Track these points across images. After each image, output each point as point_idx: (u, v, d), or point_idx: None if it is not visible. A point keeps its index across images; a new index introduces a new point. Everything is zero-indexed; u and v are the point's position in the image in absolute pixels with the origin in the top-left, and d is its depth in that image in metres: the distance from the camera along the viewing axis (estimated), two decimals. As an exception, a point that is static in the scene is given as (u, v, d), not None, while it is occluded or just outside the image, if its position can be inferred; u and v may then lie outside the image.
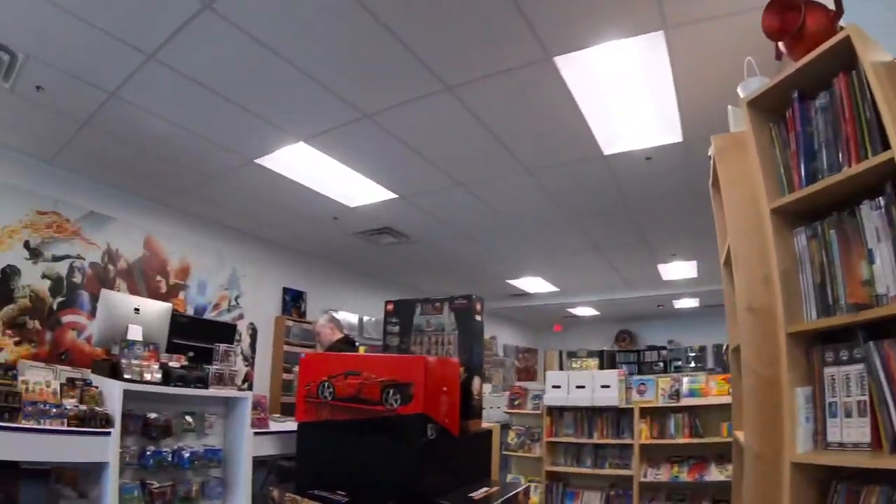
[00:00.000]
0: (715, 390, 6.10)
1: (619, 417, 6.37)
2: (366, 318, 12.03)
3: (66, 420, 4.03)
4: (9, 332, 6.42)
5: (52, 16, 4.00)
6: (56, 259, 6.93)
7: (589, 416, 6.50)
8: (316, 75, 4.73)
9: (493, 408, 9.69)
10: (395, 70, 4.63)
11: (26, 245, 6.64)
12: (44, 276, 6.78)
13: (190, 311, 8.52)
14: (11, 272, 6.50)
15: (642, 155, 6.02)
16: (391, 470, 1.97)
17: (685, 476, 5.91)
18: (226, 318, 9.07)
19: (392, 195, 7.41)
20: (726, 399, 5.79)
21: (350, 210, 8.03)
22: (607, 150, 5.93)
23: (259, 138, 5.91)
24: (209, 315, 8.83)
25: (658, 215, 8.05)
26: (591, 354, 19.45)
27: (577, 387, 6.49)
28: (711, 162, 3.24)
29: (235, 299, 9.38)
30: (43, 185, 6.83)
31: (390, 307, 2.73)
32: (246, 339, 9.46)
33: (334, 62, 4.57)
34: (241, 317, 9.43)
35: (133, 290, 7.72)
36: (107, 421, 4.20)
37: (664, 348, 19.43)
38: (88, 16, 4.03)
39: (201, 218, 8.82)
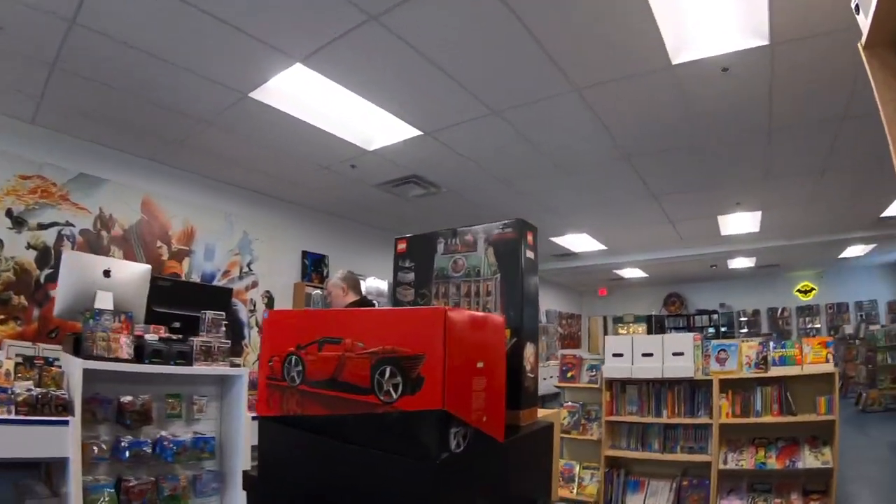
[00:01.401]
0: (810, 357, 5.11)
1: (693, 392, 5.38)
2: (397, 285, 11.06)
3: (13, 407, 3.39)
4: (-9, 309, 5.80)
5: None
6: (42, 227, 6.33)
7: (657, 390, 5.51)
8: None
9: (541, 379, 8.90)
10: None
11: (8, 213, 6.06)
12: (29, 247, 6.22)
13: (196, 279, 7.75)
14: (-8, 244, 5.90)
15: (718, 64, 4.94)
16: (392, 502, 1.25)
17: (773, 462, 5.02)
18: (237, 286, 8.32)
19: (415, 131, 6.31)
20: (823, 367, 5.00)
21: (368, 154, 6.97)
22: (677, 57, 4.85)
23: (248, 62, 4.91)
24: (219, 283, 7.95)
25: (729, 149, 6.95)
26: (637, 320, 19.75)
27: (644, 355, 5.47)
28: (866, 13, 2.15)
29: (248, 265, 8.61)
30: (25, 148, 6.22)
31: (402, 246, 2.03)
32: (261, 309, 8.69)
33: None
34: (254, 284, 8.68)
35: (130, 258, 6.98)
36: (65, 407, 3.54)
37: (715, 312, 19.03)
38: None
39: (204, 176, 7.97)
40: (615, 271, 16.26)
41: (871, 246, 13.39)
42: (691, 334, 5.50)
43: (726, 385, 5.21)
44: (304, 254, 9.47)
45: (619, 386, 5.64)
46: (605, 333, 19.68)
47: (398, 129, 6.28)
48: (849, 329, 15.16)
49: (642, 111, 5.85)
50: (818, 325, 17.46)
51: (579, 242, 12.24)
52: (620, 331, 19.15)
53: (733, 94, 5.46)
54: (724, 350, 5.28)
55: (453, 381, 1.21)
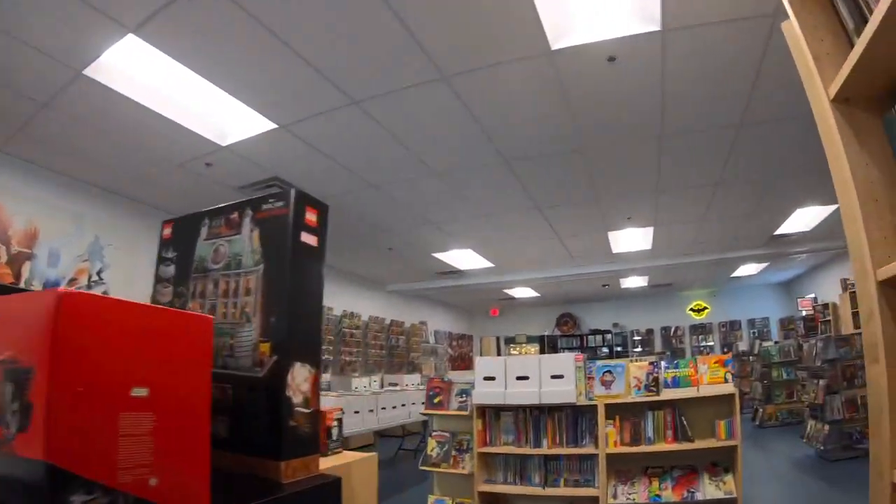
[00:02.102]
0: (707, 377, 4.62)
1: (576, 418, 4.74)
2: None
3: None
4: None
5: None
6: None
7: (535, 417, 4.84)
8: None
9: (416, 403, 8.17)
10: None
11: None
12: None
13: (38, 287, 6.70)
14: None
15: (603, 53, 4.44)
16: None
17: (669, 494, 4.47)
18: None
19: (269, 124, 5.53)
20: (722, 388, 4.54)
21: (224, 151, 6.14)
22: (557, 42, 4.31)
23: (76, 31, 4.06)
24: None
25: (618, 156, 6.49)
26: (530, 340, 19.53)
27: (519, 378, 4.81)
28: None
29: (98, 274, 7.62)
30: None
31: (167, 231, 1.74)
32: None
33: None
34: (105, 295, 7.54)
35: (-40, 261, 6.00)
36: None
37: (609, 332, 19.18)
38: None
39: (51, 171, 6.96)
40: (505, 291, 15.90)
41: (764, 265, 13.60)
42: (572, 354, 4.85)
43: (613, 410, 4.62)
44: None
45: (492, 413, 4.97)
46: (498, 354, 19.35)
47: (252, 121, 5.52)
48: (742, 346, 15.44)
49: (520, 106, 5.28)
50: (711, 343, 18.05)
51: (465, 259, 11.65)
52: (513, 351, 18.81)
53: (621, 90, 5.01)
54: (609, 371, 4.69)
55: (73, 415, 0.79)
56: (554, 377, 4.68)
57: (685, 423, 4.53)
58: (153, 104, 5.14)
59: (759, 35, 4.27)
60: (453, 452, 5.01)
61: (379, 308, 13.86)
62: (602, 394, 4.65)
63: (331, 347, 11.48)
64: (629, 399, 4.62)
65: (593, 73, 4.70)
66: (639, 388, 4.62)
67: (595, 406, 4.61)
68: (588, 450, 4.62)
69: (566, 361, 4.71)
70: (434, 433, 5.17)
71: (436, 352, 16.87)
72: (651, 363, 4.69)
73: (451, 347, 18.52)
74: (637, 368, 4.68)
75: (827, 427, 7.68)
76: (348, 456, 1.68)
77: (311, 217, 1.38)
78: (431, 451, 5.10)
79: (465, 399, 5.07)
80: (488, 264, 12.08)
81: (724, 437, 4.39)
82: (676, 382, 4.61)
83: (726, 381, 4.55)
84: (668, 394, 4.60)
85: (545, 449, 4.73)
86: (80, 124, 5.58)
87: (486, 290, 15.32)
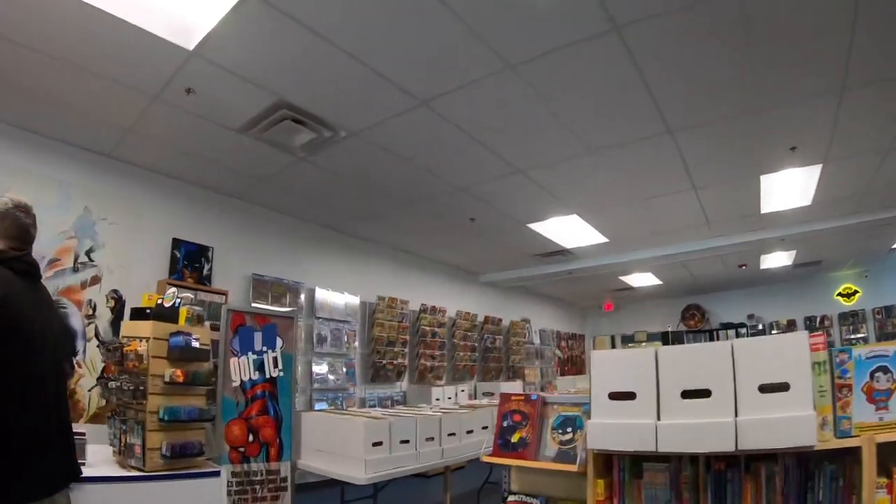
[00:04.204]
0: None
1: (806, 473, 2.22)
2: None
3: None
4: None
5: None
6: None
7: (717, 473, 2.31)
8: None
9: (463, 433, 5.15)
10: None
11: None
12: None
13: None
14: None
15: None
16: None
17: None
18: (69, 280, 5.89)
19: None
20: None
21: (196, 61, 4.08)
22: None
23: None
24: (44, 274, 5.33)
25: (800, 24, 3.89)
26: (651, 338, 17.44)
27: (688, 395, 2.27)
28: None
29: (87, 254, 6.06)
30: None
31: None
32: (105, 315, 6.14)
33: None
34: (96, 280, 6.10)
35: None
36: None
37: (743, 325, 16.67)
38: None
39: (29, 131, 5.64)
40: (622, 278, 13.49)
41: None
42: (804, 334, 2.20)
43: (889, 454, 2.12)
44: (176, 242, 6.77)
45: (626, 466, 2.46)
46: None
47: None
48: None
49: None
50: (864, 334, 15.10)
51: (570, 232, 9.07)
52: (631, 352, 16.51)
53: None
54: (887, 369, 2.12)
55: None
56: (766, 389, 2.15)
57: None
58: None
59: None
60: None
61: (469, 303, 11.78)
62: (870, 422, 2.12)
63: (405, 350, 9.46)
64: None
65: None
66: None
67: (854, 449, 2.10)
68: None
69: (794, 350, 2.17)
70: (511, 497, 2.79)
71: (541, 354, 14.72)
72: None
73: (561, 349, 16.43)
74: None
75: None
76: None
77: None
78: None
79: (570, 436, 2.65)
80: (601, 238, 9.47)
81: None
82: None
83: None
84: None
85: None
86: (31, 50, 4.05)
87: (600, 278, 12.88)
